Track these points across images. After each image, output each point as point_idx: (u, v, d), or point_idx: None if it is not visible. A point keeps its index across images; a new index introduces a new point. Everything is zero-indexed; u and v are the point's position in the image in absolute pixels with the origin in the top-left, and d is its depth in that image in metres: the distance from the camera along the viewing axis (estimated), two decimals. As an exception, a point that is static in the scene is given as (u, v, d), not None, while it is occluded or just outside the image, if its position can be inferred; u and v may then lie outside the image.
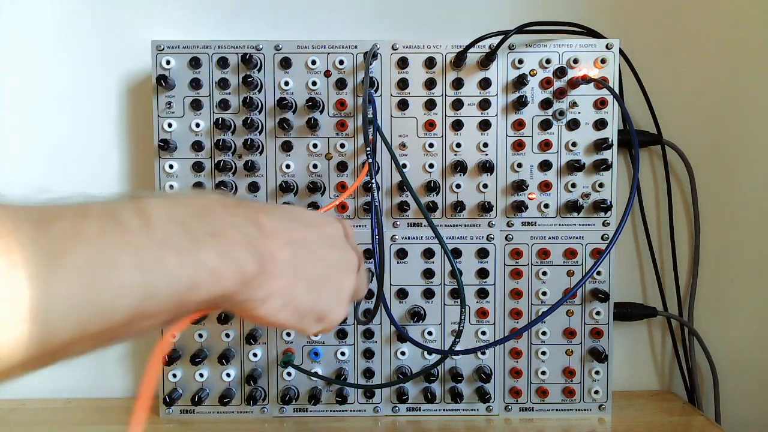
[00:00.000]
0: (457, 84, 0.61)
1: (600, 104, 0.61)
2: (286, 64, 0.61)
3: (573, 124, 0.61)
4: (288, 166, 0.62)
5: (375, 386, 0.63)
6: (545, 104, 0.61)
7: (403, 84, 0.61)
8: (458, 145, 0.62)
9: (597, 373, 0.63)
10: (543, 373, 0.63)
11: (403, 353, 0.63)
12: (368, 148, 0.47)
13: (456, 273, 0.50)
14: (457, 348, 0.61)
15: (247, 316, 0.36)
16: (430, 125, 0.61)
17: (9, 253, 0.23)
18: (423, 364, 0.64)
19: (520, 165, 0.62)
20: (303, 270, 0.36)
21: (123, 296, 0.26)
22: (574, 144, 0.61)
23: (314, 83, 0.61)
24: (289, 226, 0.37)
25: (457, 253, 0.63)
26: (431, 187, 0.61)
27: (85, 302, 0.25)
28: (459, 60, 0.60)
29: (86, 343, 0.27)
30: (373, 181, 0.43)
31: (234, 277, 0.31)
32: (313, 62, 0.61)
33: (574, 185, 0.62)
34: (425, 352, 0.63)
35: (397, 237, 0.63)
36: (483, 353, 0.64)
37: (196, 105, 0.61)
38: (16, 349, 0.23)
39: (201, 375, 0.63)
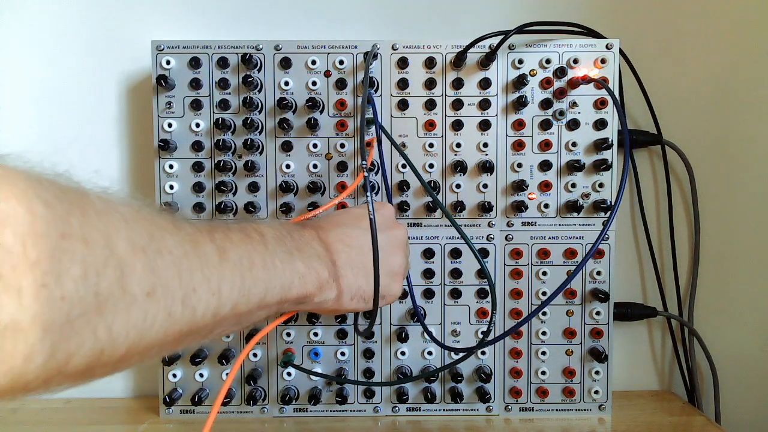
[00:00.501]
0: (457, 84, 0.61)
1: (600, 104, 0.61)
2: (286, 64, 0.61)
3: (573, 124, 0.61)
4: (288, 166, 0.62)
5: (375, 384, 0.63)
6: (545, 104, 0.61)
7: (403, 84, 0.61)
8: (458, 145, 0.62)
9: (597, 373, 0.63)
10: (543, 373, 0.63)
11: (403, 353, 0.63)
12: (363, 162, 0.48)
13: (486, 272, 0.50)
14: (458, 347, 0.61)
15: (326, 312, 0.46)
16: (430, 125, 0.61)
17: (197, 244, 0.32)
18: (423, 364, 0.64)
19: (520, 165, 0.62)
20: (359, 265, 0.45)
21: (255, 287, 0.35)
22: (574, 144, 0.62)
23: (314, 83, 0.61)
24: (341, 233, 0.45)
25: (457, 253, 0.63)
26: (431, 187, 0.61)
27: (237, 289, 0.33)
28: (459, 60, 0.60)
29: (222, 327, 0.35)
30: (368, 196, 0.44)
31: (314, 282, 0.40)
32: (313, 62, 0.61)
33: (574, 185, 0.62)
34: (425, 352, 0.63)
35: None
36: (483, 353, 0.64)
37: (196, 105, 0.61)
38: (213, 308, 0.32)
39: (201, 375, 0.63)
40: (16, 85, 0.69)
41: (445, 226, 0.63)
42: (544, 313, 0.63)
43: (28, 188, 0.22)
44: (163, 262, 0.28)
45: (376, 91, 0.61)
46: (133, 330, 0.26)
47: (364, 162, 0.48)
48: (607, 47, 0.61)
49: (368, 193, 0.44)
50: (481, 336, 0.63)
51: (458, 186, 0.62)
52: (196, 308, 0.30)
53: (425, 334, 0.63)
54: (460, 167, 0.61)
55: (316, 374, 0.62)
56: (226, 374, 0.63)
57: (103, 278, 0.24)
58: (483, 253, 0.63)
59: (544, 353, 0.63)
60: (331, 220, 0.47)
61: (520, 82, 0.60)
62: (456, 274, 0.63)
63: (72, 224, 0.23)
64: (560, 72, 0.61)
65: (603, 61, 0.60)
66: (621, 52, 0.62)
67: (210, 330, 0.33)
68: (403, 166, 0.62)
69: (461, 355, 0.59)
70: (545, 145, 0.62)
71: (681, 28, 0.70)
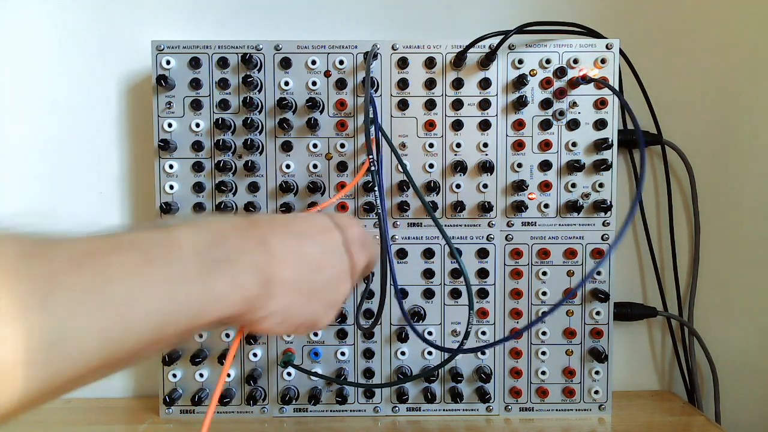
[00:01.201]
0: (457, 84, 0.61)
1: (600, 104, 0.61)
2: (286, 64, 0.61)
3: (573, 124, 0.61)
4: (288, 166, 0.62)
5: (375, 386, 0.63)
6: (545, 104, 0.61)
7: (403, 84, 0.61)
8: (458, 145, 0.62)
9: (597, 373, 0.63)
10: (543, 373, 0.63)
11: (403, 353, 0.63)
12: (371, 155, 0.47)
13: (464, 273, 0.49)
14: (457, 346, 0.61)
15: (247, 330, 0.40)
16: (430, 125, 0.61)
17: (50, 291, 0.25)
18: (423, 364, 0.64)
19: (520, 165, 0.62)
20: (303, 287, 0.38)
21: (147, 323, 0.28)
22: (574, 144, 0.61)
23: (314, 83, 0.61)
24: (296, 245, 0.38)
25: (457, 254, 0.63)
26: (431, 187, 0.61)
27: (116, 333, 0.27)
28: (459, 60, 0.60)
29: (101, 371, 0.28)
30: (379, 205, 0.43)
31: (239, 302, 0.33)
32: (313, 62, 0.61)
33: (574, 185, 0.62)
34: (425, 352, 0.63)
35: (397, 237, 0.63)
36: (483, 353, 0.64)
37: (196, 105, 0.61)
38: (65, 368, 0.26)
39: (201, 375, 0.63)
40: (16, 85, 0.69)
41: (445, 226, 0.62)
42: (544, 313, 0.63)
43: None
44: (9, 321, 0.23)
45: (376, 91, 0.61)
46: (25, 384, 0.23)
47: (372, 156, 0.48)
48: (607, 47, 0.61)
49: (378, 204, 0.43)
50: (481, 336, 0.63)
51: (458, 186, 0.62)
52: (72, 356, 0.25)
53: (423, 333, 0.63)
54: (460, 167, 0.61)
55: (315, 375, 0.62)
56: (227, 374, 0.63)
57: None
58: (483, 253, 0.63)
59: (544, 353, 0.63)
60: (293, 227, 0.40)
61: (520, 82, 0.60)
62: (456, 274, 0.63)
63: None
64: (560, 72, 0.61)
65: (603, 61, 0.60)
66: (621, 52, 0.62)
67: (105, 369, 0.28)
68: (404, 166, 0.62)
69: (437, 357, 0.59)
70: (545, 145, 0.61)
71: (681, 28, 0.70)
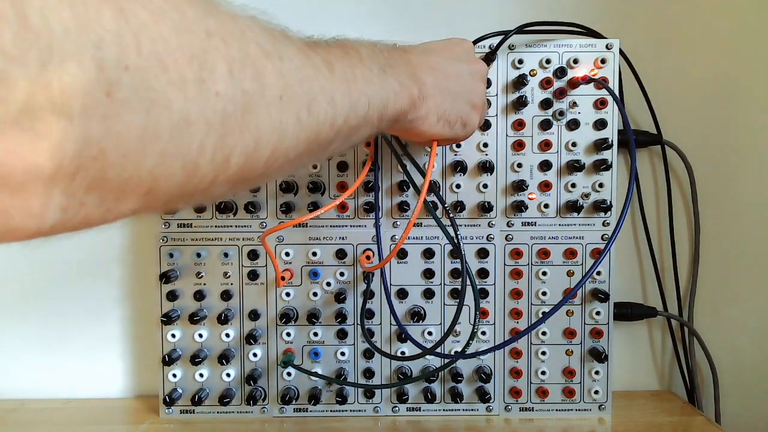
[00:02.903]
0: (457, 84, 0.61)
1: (600, 104, 0.61)
2: (286, 64, 0.61)
3: (573, 124, 0.61)
4: (288, 166, 0.62)
5: (375, 386, 0.63)
6: (545, 104, 0.61)
7: (403, 84, 0.61)
8: (458, 145, 0.62)
9: (597, 373, 0.63)
10: (543, 373, 0.63)
11: (403, 353, 0.63)
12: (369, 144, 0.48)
13: (470, 274, 0.50)
14: (459, 349, 0.61)
15: (413, 135, 0.46)
16: (430, 125, 0.61)
17: (308, 54, 0.31)
18: (423, 365, 0.64)
19: (520, 165, 0.62)
20: (444, 88, 0.45)
21: (360, 100, 0.34)
22: (574, 144, 0.61)
23: (314, 83, 0.61)
24: (427, 57, 0.45)
25: (457, 253, 0.63)
26: (431, 187, 0.61)
27: (348, 101, 0.33)
28: (459, 60, 0.60)
29: (337, 142, 0.35)
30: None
31: (407, 98, 0.40)
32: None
33: (574, 185, 0.62)
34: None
35: (397, 237, 0.63)
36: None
37: (196, 105, 0.61)
38: (327, 120, 0.32)
39: (201, 375, 0.63)
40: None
41: (447, 226, 0.62)
42: (544, 313, 0.63)
43: None
44: (288, 69, 0.28)
45: (376, 91, 0.61)
46: (273, 132, 0.27)
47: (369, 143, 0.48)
48: (607, 47, 0.61)
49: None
50: (481, 336, 0.64)
51: (458, 186, 0.62)
52: (318, 116, 0.30)
53: (423, 333, 0.63)
54: (460, 167, 0.61)
55: (316, 375, 0.62)
56: (227, 374, 0.63)
57: (245, 77, 0.25)
58: (483, 253, 0.63)
59: (544, 353, 0.63)
60: (417, 46, 0.47)
61: (520, 82, 0.60)
62: (456, 274, 0.63)
63: (211, 23, 0.24)
64: (560, 72, 0.61)
65: (603, 61, 0.60)
66: (621, 52, 0.62)
67: (329, 142, 0.33)
68: (404, 166, 0.62)
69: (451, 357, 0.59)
70: (545, 145, 0.61)
71: (681, 28, 0.70)
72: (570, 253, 0.63)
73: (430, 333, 0.63)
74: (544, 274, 0.63)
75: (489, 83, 0.61)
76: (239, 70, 0.25)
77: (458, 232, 0.51)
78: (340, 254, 0.62)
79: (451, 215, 0.50)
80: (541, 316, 0.63)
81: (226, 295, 0.63)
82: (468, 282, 0.49)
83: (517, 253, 0.63)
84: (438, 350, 0.62)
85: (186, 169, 0.23)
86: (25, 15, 0.16)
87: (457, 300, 0.63)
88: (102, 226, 0.24)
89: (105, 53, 0.18)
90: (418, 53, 0.45)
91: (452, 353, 0.63)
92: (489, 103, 0.61)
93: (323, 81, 0.31)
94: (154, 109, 0.20)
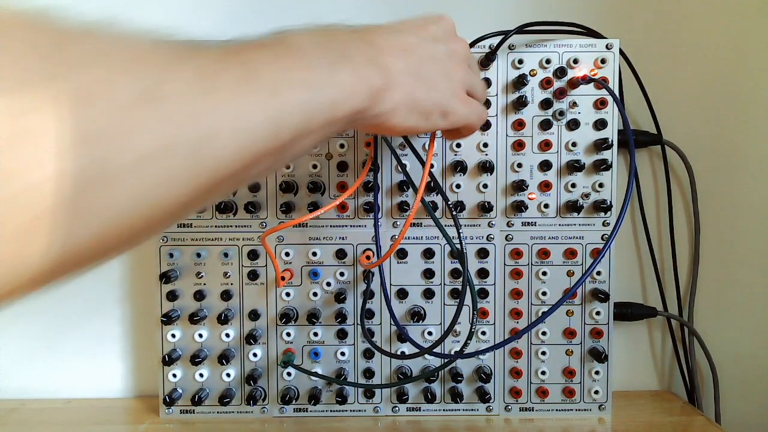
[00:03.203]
0: (457, 84, 0.61)
1: (600, 104, 0.61)
2: (286, 64, 0.61)
3: (573, 124, 0.61)
4: (288, 166, 0.62)
5: (375, 386, 0.63)
6: (545, 104, 0.61)
7: (403, 84, 0.61)
8: (458, 145, 0.62)
9: (597, 373, 0.63)
10: (543, 373, 0.63)
11: (403, 353, 0.63)
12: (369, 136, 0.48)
13: (466, 272, 0.50)
14: (458, 349, 0.61)
15: (383, 130, 0.40)
16: (430, 125, 0.61)
17: (214, 75, 0.26)
18: (423, 365, 0.64)
19: (520, 165, 0.62)
20: (417, 73, 0.39)
21: (293, 113, 0.29)
22: (574, 144, 0.61)
23: (314, 83, 0.61)
24: (397, 38, 0.39)
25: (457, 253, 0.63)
26: (431, 187, 0.61)
27: (273, 118, 0.28)
28: (459, 60, 0.60)
29: (261, 165, 0.30)
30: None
31: (365, 93, 0.34)
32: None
33: (574, 185, 0.62)
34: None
35: (397, 237, 0.62)
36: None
37: (196, 105, 0.61)
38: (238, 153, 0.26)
39: (201, 375, 0.63)
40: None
41: (445, 226, 0.62)
42: (544, 313, 0.63)
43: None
44: (176, 109, 0.23)
45: (376, 91, 0.61)
46: (146, 198, 0.23)
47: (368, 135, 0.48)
48: (607, 47, 0.61)
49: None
50: (481, 336, 0.64)
51: (458, 186, 0.62)
52: (221, 153, 0.25)
53: (423, 333, 0.63)
54: (460, 167, 0.61)
55: (316, 375, 0.62)
56: (227, 374, 0.63)
57: (101, 143, 0.20)
58: (483, 253, 0.63)
59: (544, 353, 0.63)
60: (386, 26, 0.41)
61: (520, 82, 0.60)
62: (456, 274, 0.63)
63: (52, 79, 0.19)
64: (560, 72, 0.61)
65: (603, 61, 0.60)
66: (621, 52, 0.62)
67: (247, 170, 0.28)
68: (404, 166, 0.62)
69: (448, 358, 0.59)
70: (545, 145, 0.61)
71: (681, 28, 0.70)
72: (570, 253, 0.63)
73: (430, 333, 0.63)
74: (544, 274, 0.63)
75: (486, 66, 0.61)
76: (96, 137, 0.20)
77: (460, 231, 0.50)
78: (340, 254, 0.62)
79: (454, 213, 0.50)
80: (540, 316, 0.63)
81: (226, 295, 0.63)
82: (468, 284, 0.49)
83: (517, 253, 0.63)
84: (437, 350, 0.62)
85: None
86: None
87: (457, 300, 0.63)
88: None
89: None
90: (385, 34, 0.39)
91: (452, 353, 0.63)
92: (489, 83, 0.61)
93: (231, 106, 0.26)
94: None
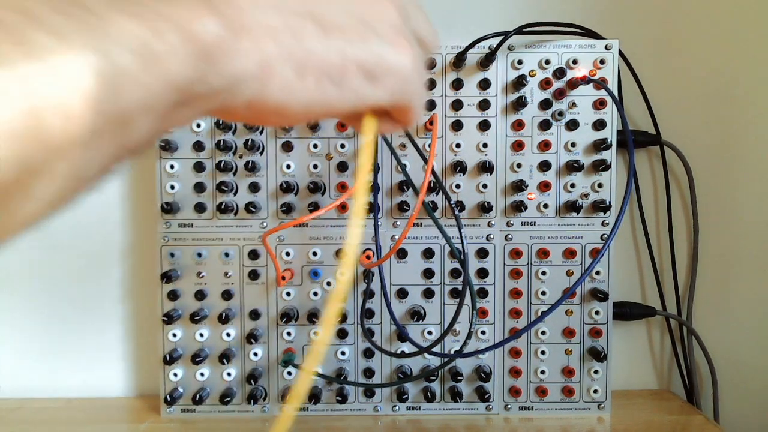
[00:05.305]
0: (457, 84, 0.61)
1: (599, 105, 0.61)
2: (286, 64, 0.61)
3: (572, 125, 0.62)
4: (288, 167, 0.62)
5: (375, 385, 0.63)
6: (544, 105, 0.61)
7: (403, 84, 0.61)
8: (458, 145, 0.62)
9: (596, 372, 0.64)
10: (542, 372, 0.64)
11: (403, 353, 0.64)
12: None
13: (468, 278, 0.50)
14: (458, 348, 0.61)
15: (260, 119, 0.24)
16: (430, 125, 0.62)
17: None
18: (423, 364, 0.64)
19: (519, 165, 0.62)
20: (303, 9, 0.23)
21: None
22: (573, 144, 0.62)
23: (315, 84, 0.61)
24: None
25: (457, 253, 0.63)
26: (431, 187, 0.61)
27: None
28: (459, 60, 0.60)
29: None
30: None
31: (183, 54, 0.19)
32: None
33: (573, 185, 0.62)
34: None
35: (397, 237, 0.63)
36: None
37: (197, 105, 0.61)
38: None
39: (202, 374, 0.63)
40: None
41: (445, 226, 0.63)
42: (544, 313, 0.63)
43: None
44: None
45: (376, 91, 0.61)
46: None
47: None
48: (606, 48, 0.61)
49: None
50: (480, 335, 0.64)
51: (458, 186, 0.62)
52: None
53: (423, 333, 0.63)
54: (459, 167, 0.61)
55: (316, 374, 0.62)
56: (227, 374, 0.63)
57: None
58: (483, 253, 0.63)
59: (543, 352, 0.64)
60: None
61: (519, 82, 0.61)
62: (456, 273, 0.63)
63: None
64: (559, 72, 0.61)
65: (602, 61, 0.61)
66: (620, 52, 0.63)
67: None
68: (404, 166, 0.62)
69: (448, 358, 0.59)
70: (544, 146, 0.62)
71: (681, 28, 0.70)
72: (569, 253, 0.63)
73: (429, 332, 0.63)
74: (544, 273, 0.63)
75: (486, 66, 0.60)
76: None
77: (462, 230, 0.51)
78: (341, 254, 0.63)
79: (456, 214, 0.51)
80: (540, 315, 0.63)
81: (226, 295, 0.63)
82: (468, 284, 0.49)
83: (516, 253, 0.63)
84: (437, 349, 0.63)
85: None
86: None
87: (457, 299, 0.63)
88: None
89: None
90: None
91: (451, 352, 0.63)
92: (488, 83, 0.59)
93: None
94: None
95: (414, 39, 0.27)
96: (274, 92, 0.22)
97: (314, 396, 0.63)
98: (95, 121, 0.18)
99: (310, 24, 0.23)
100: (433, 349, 0.61)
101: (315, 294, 0.63)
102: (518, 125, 0.62)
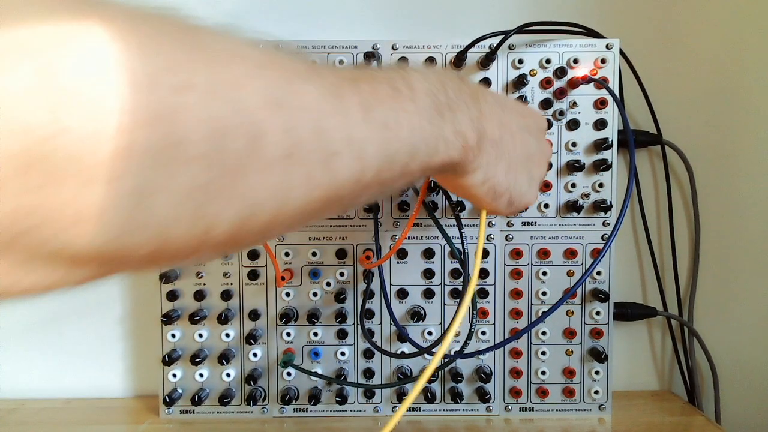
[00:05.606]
0: (457, 84, 0.61)
1: (600, 104, 0.61)
2: (286, 64, 0.61)
3: (573, 124, 0.61)
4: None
5: (376, 386, 0.63)
6: (545, 104, 0.61)
7: (403, 84, 0.61)
8: (458, 145, 0.61)
9: (597, 373, 0.63)
10: (543, 373, 0.63)
11: (403, 353, 0.63)
12: None
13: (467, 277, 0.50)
14: (458, 349, 0.61)
15: (454, 185, 0.40)
16: (430, 125, 0.61)
17: (339, 97, 0.26)
18: (423, 365, 0.64)
19: (520, 165, 0.62)
20: (504, 151, 0.39)
21: (400, 152, 0.30)
22: (574, 144, 0.61)
23: (314, 83, 0.61)
24: (499, 112, 0.39)
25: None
26: (431, 187, 0.61)
27: (382, 153, 0.28)
28: (459, 60, 0.60)
29: (365, 195, 0.30)
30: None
31: (460, 149, 0.35)
32: (313, 62, 0.61)
33: (574, 185, 0.62)
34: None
35: (397, 237, 0.63)
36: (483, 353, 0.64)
37: (196, 105, 0.61)
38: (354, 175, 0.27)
39: (201, 375, 0.63)
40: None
41: (446, 226, 0.62)
42: (544, 313, 0.63)
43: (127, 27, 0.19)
44: (302, 120, 0.24)
45: (376, 91, 0.61)
46: (273, 196, 0.24)
47: None
48: (607, 47, 0.61)
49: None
50: (481, 336, 0.64)
51: (458, 186, 0.62)
52: (338, 173, 0.26)
53: (423, 333, 0.63)
54: (460, 167, 0.61)
55: (316, 375, 0.62)
56: (227, 374, 0.63)
57: (232, 139, 0.21)
58: (483, 253, 0.63)
59: (544, 353, 0.63)
60: (490, 92, 0.42)
61: (520, 82, 0.60)
62: (456, 274, 0.63)
63: (190, 72, 0.20)
64: (560, 72, 0.61)
65: (603, 61, 0.60)
66: (621, 52, 0.62)
67: (354, 197, 0.29)
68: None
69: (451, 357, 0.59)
70: (545, 145, 0.61)
71: (681, 28, 0.70)
72: (570, 253, 0.63)
73: (430, 333, 0.63)
74: (544, 274, 0.63)
75: (486, 66, 0.61)
76: (224, 134, 0.21)
77: (462, 230, 0.51)
78: (340, 254, 0.62)
79: (456, 213, 0.50)
80: (540, 316, 0.63)
81: (226, 295, 0.63)
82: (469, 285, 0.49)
83: (517, 253, 0.63)
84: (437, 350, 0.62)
85: (155, 240, 0.20)
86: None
87: (457, 300, 0.63)
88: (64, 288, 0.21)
89: None
90: (491, 102, 0.39)
91: (451, 353, 0.63)
92: (489, 83, 0.61)
93: (352, 130, 0.26)
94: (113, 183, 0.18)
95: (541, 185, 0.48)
96: (467, 181, 0.38)
97: (314, 397, 0.62)
98: (426, 168, 0.33)
99: (505, 163, 0.39)
100: (434, 350, 0.61)
101: (315, 294, 0.63)
102: (519, 125, 0.61)
